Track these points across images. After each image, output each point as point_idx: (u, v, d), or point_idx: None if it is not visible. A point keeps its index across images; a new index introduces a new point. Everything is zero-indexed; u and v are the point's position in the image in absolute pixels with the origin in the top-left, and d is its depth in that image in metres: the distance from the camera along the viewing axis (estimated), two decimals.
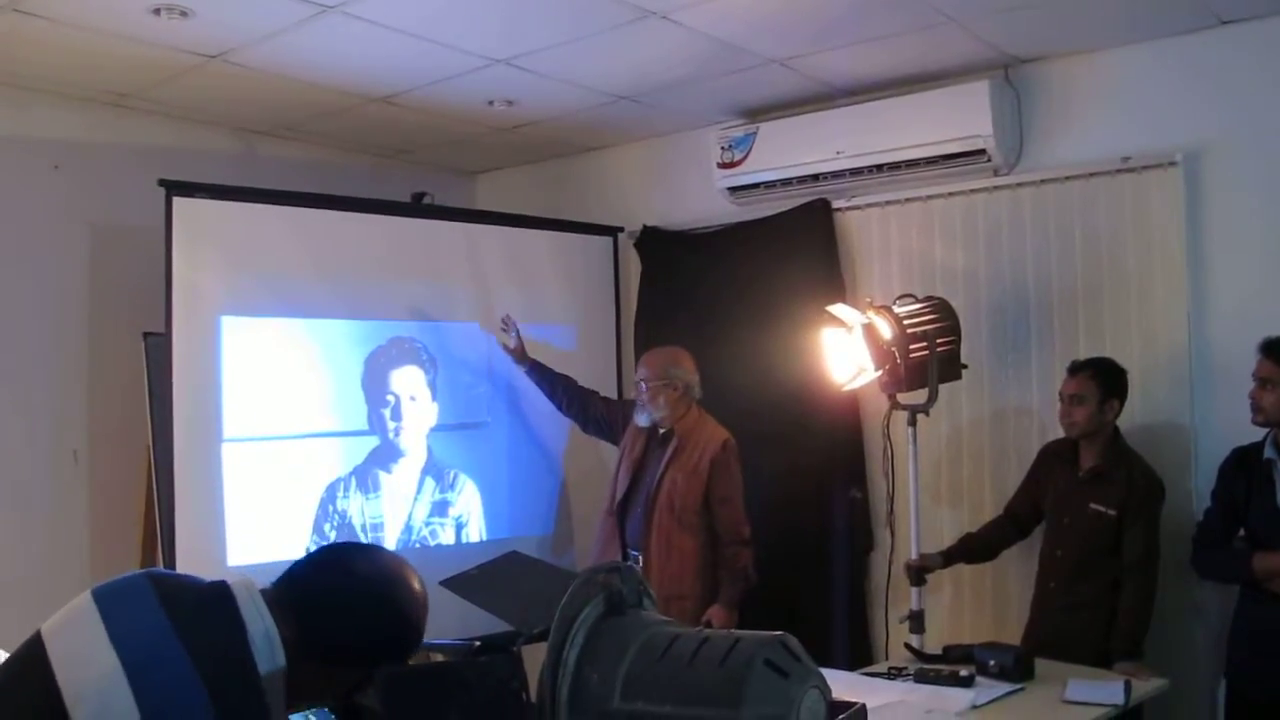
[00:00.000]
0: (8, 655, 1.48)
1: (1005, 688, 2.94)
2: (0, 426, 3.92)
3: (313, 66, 3.81)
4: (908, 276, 4.14)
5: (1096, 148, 3.77)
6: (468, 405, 4.44)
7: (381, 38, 3.50)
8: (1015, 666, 3.01)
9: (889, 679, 3.10)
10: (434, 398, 4.35)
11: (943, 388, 3.56)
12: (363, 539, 4.08)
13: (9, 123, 3.97)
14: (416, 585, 1.54)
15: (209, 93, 4.06)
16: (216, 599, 1.42)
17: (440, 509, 4.34)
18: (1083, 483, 3.39)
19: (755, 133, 4.36)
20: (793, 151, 4.27)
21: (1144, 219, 3.68)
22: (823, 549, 4.33)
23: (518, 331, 4.26)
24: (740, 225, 4.61)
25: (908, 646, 3.45)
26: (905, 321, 3.47)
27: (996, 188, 3.97)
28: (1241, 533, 3.18)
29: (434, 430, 4.33)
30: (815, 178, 4.26)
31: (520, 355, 4.28)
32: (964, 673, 3.00)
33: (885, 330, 3.44)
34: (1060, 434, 3.52)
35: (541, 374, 4.30)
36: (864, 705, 1.72)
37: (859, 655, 4.08)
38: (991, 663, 3.05)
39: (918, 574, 3.56)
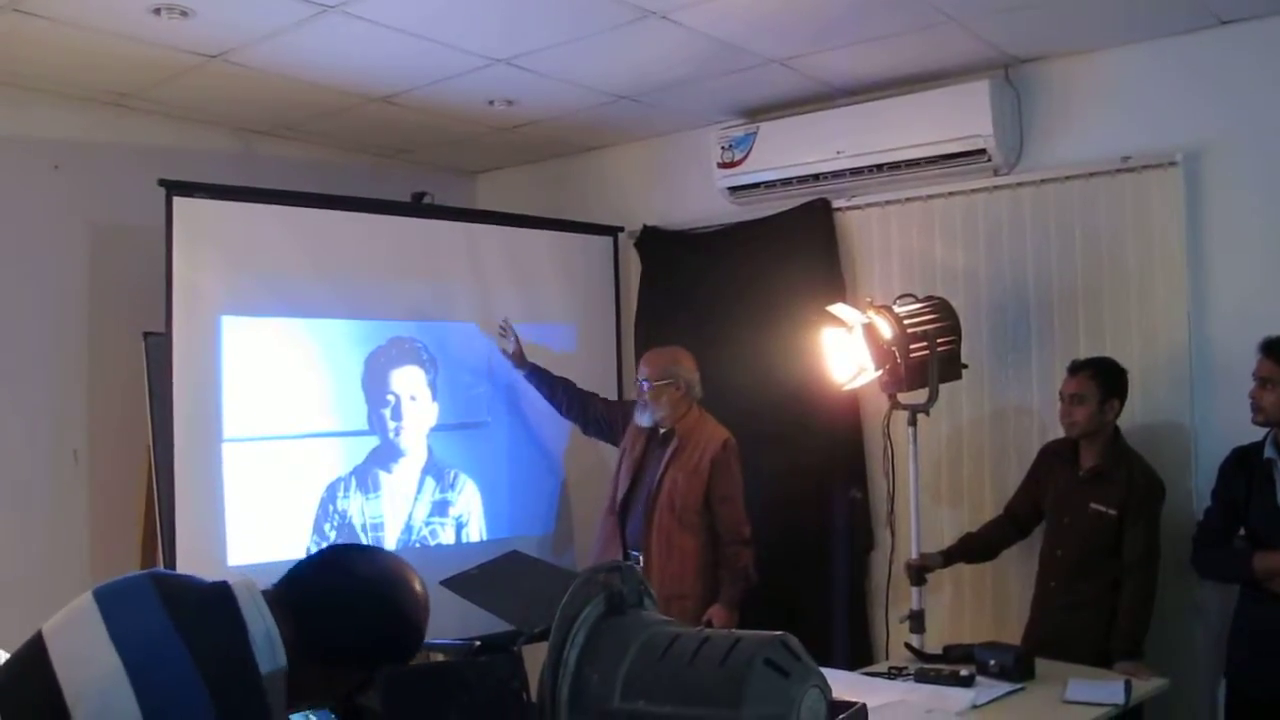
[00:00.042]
0: (8, 655, 1.48)
1: (1006, 687, 2.94)
2: (0, 426, 3.92)
3: (313, 66, 3.81)
4: (908, 276, 4.14)
5: (1096, 147, 3.77)
6: (468, 405, 4.44)
7: (381, 37, 3.50)
8: (1015, 666, 3.01)
9: (889, 679, 3.10)
10: (434, 397, 4.35)
11: (943, 387, 3.56)
12: (363, 539, 4.08)
13: (9, 123, 3.97)
14: (418, 587, 1.54)
15: (209, 93, 4.06)
16: (218, 599, 1.42)
17: (440, 509, 4.34)
18: (1083, 482, 3.39)
19: (755, 133, 4.36)
20: (793, 151, 4.27)
21: (1144, 219, 3.68)
22: (823, 548, 4.33)
23: (516, 336, 4.28)
24: (740, 225, 4.61)
25: (908, 646, 3.46)
26: (905, 321, 3.47)
27: (996, 187, 3.97)
28: (1242, 532, 3.18)
29: (434, 430, 4.33)
30: (815, 177, 4.26)
31: (519, 359, 4.30)
32: (964, 672, 3.00)
33: (885, 330, 3.44)
34: (1060, 433, 3.52)
35: (541, 377, 4.31)
36: (864, 705, 1.72)
37: (859, 655, 4.08)
38: (992, 662, 3.05)
39: (918, 574, 3.56)
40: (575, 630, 1.38)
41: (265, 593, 1.46)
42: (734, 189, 4.48)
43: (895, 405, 3.61)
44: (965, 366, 3.67)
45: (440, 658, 1.98)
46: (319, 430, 4.05)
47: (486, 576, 2.92)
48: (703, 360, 3.97)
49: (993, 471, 3.97)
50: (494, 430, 4.52)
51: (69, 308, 4.12)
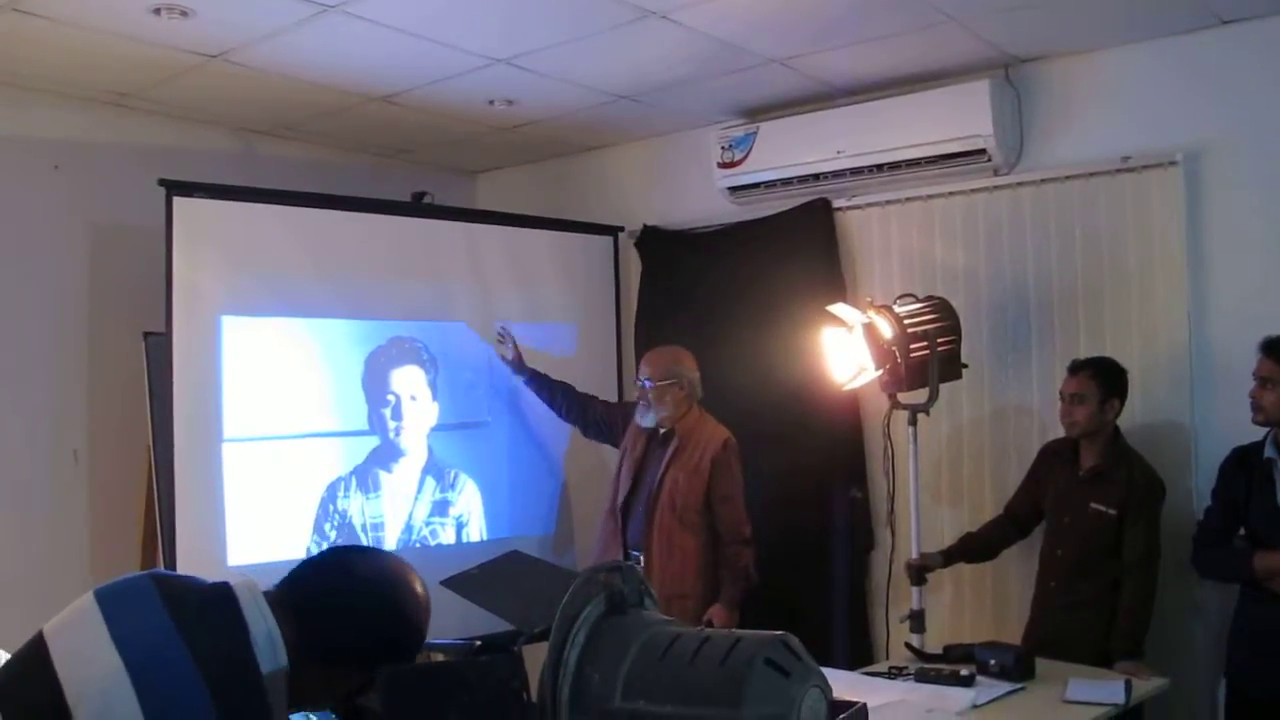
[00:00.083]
0: (9, 655, 1.48)
1: (1006, 687, 2.95)
2: (0, 426, 3.92)
3: (313, 66, 3.81)
4: (908, 276, 4.14)
5: (1096, 147, 3.77)
6: (468, 405, 4.44)
7: (382, 37, 3.50)
8: (1016, 666, 3.01)
9: (890, 678, 3.10)
10: (434, 397, 4.35)
11: (943, 387, 3.56)
12: (363, 539, 4.09)
13: (9, 123, 3.97)
14: (419, 588, 1.54)
15: (209, 92, 4.06)
16: (219, 600, 1.42)
17: (441, 508, 4.34)
18: (1083, 482, 3.39)
19: (755, 132, 4.36)
20: (793, 151, 4.27)
21: (1144, 219, 3.68)
22: (823, 548, 4.33)
23: (514, 342, 4.29)
24: (740, 225, 4.61)
25: (908, 646, 3.46)
26: (906, 321, 3.47)
27: (997, 187, 3.97)
28: (1242, 532, 3.18)
29: (434, 430, 4.33)
30: (815, 177, 4.26)
31: (518, 366, 4.31)
32: (964, 672, 3.01)
33: (886, 330, 3.44)
34: (1060, 433, 3.52)
35: (540, 383, 4.32)
36: (865, 705, 1.72)
37: (859, 654, 4.08)
38: (992, 662, 3.05)
39: (918, 573, 3.57)
40: (576, 630, 1.38)
41: (267, 593, 1.46)
42: (734, 189, 4.48)
43: (895, 405, 3.61)
44: (965, 366, 3.67)
45: (440, 658, 1.98)
46: (319, 430, 4.05)
47: (487, 576, 2.92)
48: (703, 360, 3.97)
49: (993, 471, 3.97)
50: (494, 430, 4.52)
51: (69, 308, 4.12)
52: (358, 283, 4.18)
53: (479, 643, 1.95)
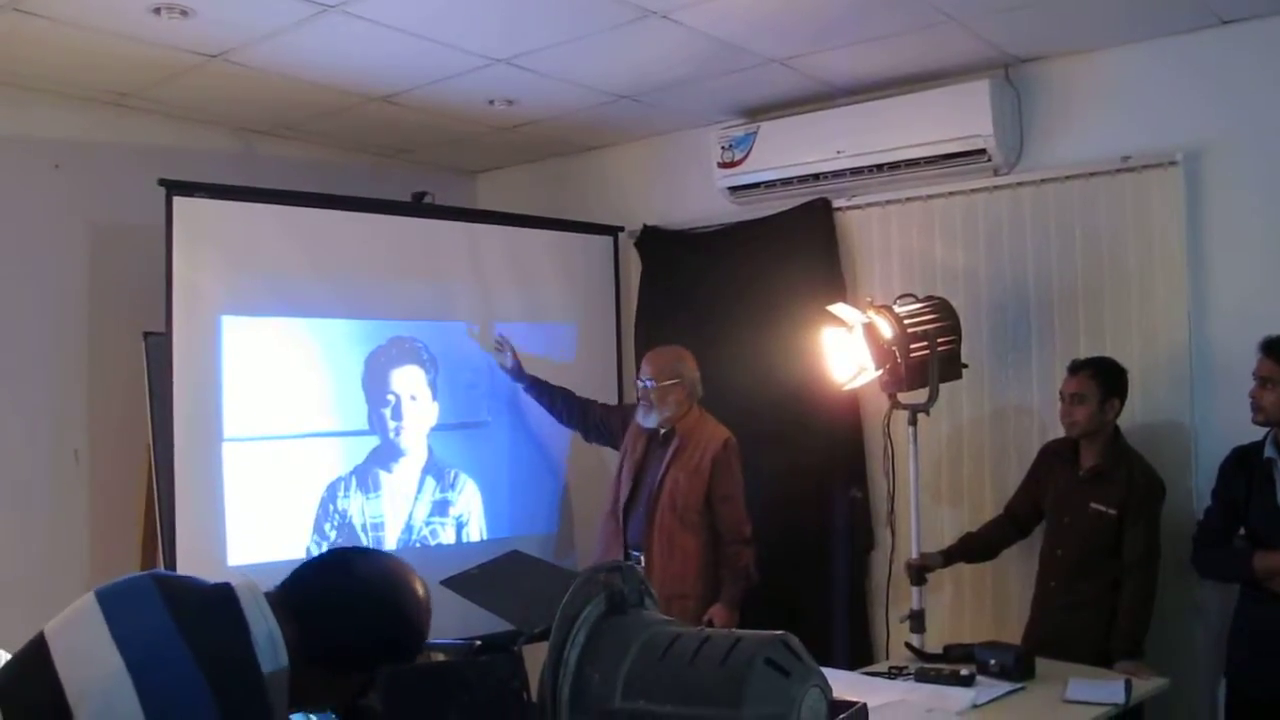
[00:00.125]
0: (10, 656, 1.48)
1: (1006, 687, 2.95)
2: (0, 426, 3.92)
3: (313, 66, 3.80)
4: (908, 276, 4.14)
5: (1096, 147, 3.77)
6: (468, 405, 4.44)
7: (382, 37, 3.50)
8: (1016, 666, 3.01)
9: (890, 678, 3.10)
10: (434, 397, 4.35)
11: (943, 387, 3.56)
12: (363, 539, 4.09)
13: (9, 123, 3.97)
14: (419, 589, 1.54)
15: (209, 92, 4.06)
16: (220, 600, 1.42)
17: (441, 508, 4.34)
18: (1083, 482, 3.39)
19: (755, 132, 4.36)
20: (793, 151, 4.27)
21: (1144, 219, 3.68)
22: (823, 548, 4.33)
23: (513, 350, 4.31)
24: (740, 225, 4.61)
25: (908, 646, 3.46)
26: (906, 321, 3.47)
27: (997, 187, 3.97)
28: (1242, 532, 3.18)
29: (434, 430, 4.33)
30: (815, 177, 4.26)
31: (518, 373, 4.32)
32: (964, 672, 3.01)
33: (886, 330, 3.44)
34: (1060, 433, 3.52)
35: (540, 389, 4.33)
36: (865, 705, 1.72)
37: (859, 654, 4.08)
38: (992, 662, 3.05)
39: (918, 573, 3.57)
40: (576, 630, 1.38)
41: (268, 594, 1.46)
42: (734, 189, 4.48)
43: (895, 405, 3.61)
44: (965, 366, 3.67)
45: (441, 658, 1.98)
46: (319, 430, 4.05)
47: (487, 576, 2.92)
48: (703, 360, 3.97)
49: (993, 471, 3.97)
50: (494, 430, 4.51)
51: (69, 308, 4.12)
52: (358, 283, 4.18)
53: (479, 643, 1.95)
